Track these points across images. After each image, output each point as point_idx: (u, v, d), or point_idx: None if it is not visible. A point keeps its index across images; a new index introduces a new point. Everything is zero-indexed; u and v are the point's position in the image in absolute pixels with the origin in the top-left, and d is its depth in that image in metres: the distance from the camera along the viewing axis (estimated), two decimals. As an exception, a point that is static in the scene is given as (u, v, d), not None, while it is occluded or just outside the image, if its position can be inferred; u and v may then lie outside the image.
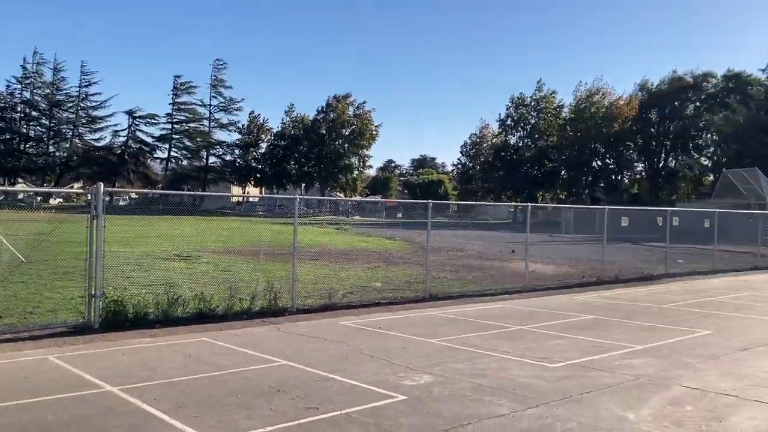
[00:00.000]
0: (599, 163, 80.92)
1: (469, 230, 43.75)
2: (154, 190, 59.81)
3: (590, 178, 79.97)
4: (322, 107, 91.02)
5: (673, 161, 78.73)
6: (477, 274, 18.50)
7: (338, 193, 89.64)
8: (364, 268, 18.95)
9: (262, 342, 9.57)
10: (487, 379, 7.63)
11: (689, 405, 6.77)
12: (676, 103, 75.40)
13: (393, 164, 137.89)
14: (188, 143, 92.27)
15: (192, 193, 70.37)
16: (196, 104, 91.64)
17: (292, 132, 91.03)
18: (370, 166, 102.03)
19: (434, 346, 9.47)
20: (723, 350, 9.55)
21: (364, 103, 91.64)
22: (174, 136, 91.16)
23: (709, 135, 76.20)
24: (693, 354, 9.26)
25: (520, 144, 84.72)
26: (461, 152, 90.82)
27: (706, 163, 77.79)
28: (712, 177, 70.81)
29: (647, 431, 5.94)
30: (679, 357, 9.04)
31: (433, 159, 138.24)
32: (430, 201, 15.57)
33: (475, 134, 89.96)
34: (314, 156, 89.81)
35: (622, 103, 77.18)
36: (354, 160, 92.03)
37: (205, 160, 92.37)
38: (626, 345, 9.79)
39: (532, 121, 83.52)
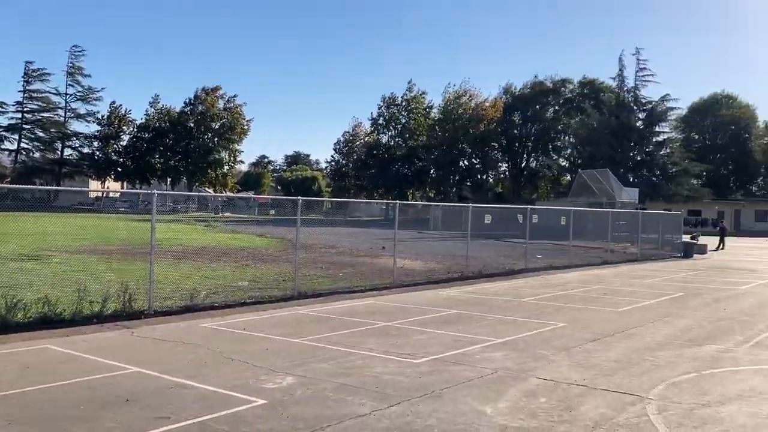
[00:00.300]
0: (466, 162, 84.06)
1: (342, 227, 43.90)
2: (1, 185, 54.88)
3: (457, 177, 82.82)
4: (190, 99, 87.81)
5: (534, 161, 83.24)
6: (347, 271, 18.46)
7: (207, 189, 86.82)
8: (231, 266, 18.35)
9: (113, 348, 8.92)
10: (351, 378, 7.54)
11: (543, 396, 7.02)
12: (537, 106, 79.79)
13: (266, 160, 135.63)
14: (41, 134, 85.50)
15: (45, 187, 65.10)
16: (50, 93, 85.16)
17: (157, 124, 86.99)
18: (242, 162, 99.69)
19: (299, 346, 9.26)
20: (575, 342, 10.06)
21: (234, 96, 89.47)
22: (24, 126, 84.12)
23: (566, 137, 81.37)
24: (548, 346, 9.67)
25: (392, 143, 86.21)
26: (335, 150, 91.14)
27: (563, 163, 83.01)
28: (569, 177, 75.62)
29: (503, 424, 6.07)
30: (535, 349, 9.41)
31: (308, 156, 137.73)
32: (299, 198, 15.33)
33: (348, 132, 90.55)
34: (181, 150, 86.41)
35: (487, 105, 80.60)
36: (224, 154, 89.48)
37: (59, 153, 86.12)
38: (487, 339, 10.06)
39: (403, 121, 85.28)
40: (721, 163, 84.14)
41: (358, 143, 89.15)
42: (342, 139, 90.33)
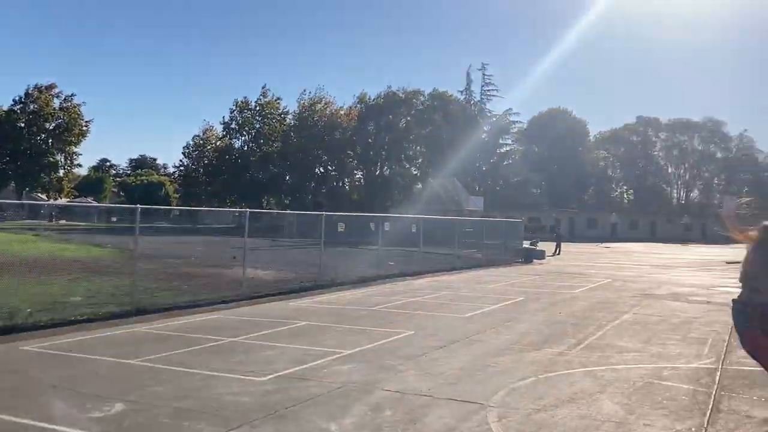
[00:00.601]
0: (322, 169, 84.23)
1: (192, 236, 42.17)
2: None
3: (313, 184, 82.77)
4: (20, 97, 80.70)
5: (388, 170, 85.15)
6: (194, 283, 17.64)
7: (39, 195, 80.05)
8: (62, 280, 16.89)
9: None
10: (190, 401, 7.05)
11: (389, 409, 6.95)
12: (390, 116, 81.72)
13: (108, 164, 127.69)
14: None
15: None
16: None
17: (-20, 124, 79.09)
18: (80, 165, 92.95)
19: (134, 368, 8.57)
20: (422, 350, 10.16)
21: (72, 95, 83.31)
22: None
23: (418, 147, 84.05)
24: (396, 355, 9.68)
25: (245, 148, 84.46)
26: (184, 154, 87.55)
27: (415, 172, 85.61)
28: (420, 185, 78.15)
29: (348, 443, 5.91)
30: (383, 360, 9.38)
31: (154, 160, 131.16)
32: (138, 206, 14.37)
33: (198, 136, 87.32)
34: (9, 152, 79.05)
35: (342, 113, 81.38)
36: (60, 157, 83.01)
37: None
38: (336, 351, 9.90)
39: (257, 126, 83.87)
40: (558, 173, 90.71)
41: (209, 147, 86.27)
42: (192, 143, 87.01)
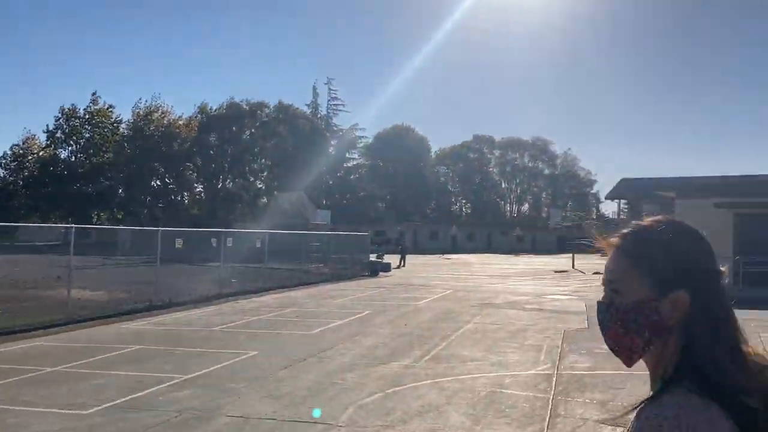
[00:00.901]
0: (159, 182, 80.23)
1: (10, 254, 38.27)
2: None
3: (149, 198, 78.61)
4: None
5: (231, 183, 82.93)
6: (10, 306, 15.81)
7: None
8: None
9: None
10: (-3, 445, 6.15)
11: (231, 438, 6.50)
12: (234, 128, 79.78)
13: None
14: None
15: None
16: None
17: None
18: None
19: (-72, 410, 7.38)
20: (266, 371, 9.72)
21: None
22: None
23: (263, 160, 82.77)
24: (239, 378, 9.18)
25: (73, 159, 78.43)
26: (0, 165, 79.45)
27: (260, 186, 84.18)
28: (265, 199, 76.92)
29: (185, 479, 5.39)
30: (225, 383, 8.84)
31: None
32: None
33: (17, 146, 79.58)
34: None
35: (181, 123, 78.10)
36: None
37: None
38: (173, 376, 9.21)
39: (87, 135, 78.21)
40: (403, 187, 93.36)
41: (30, 158, 78.97)
42: (10, 152, 79.15)
